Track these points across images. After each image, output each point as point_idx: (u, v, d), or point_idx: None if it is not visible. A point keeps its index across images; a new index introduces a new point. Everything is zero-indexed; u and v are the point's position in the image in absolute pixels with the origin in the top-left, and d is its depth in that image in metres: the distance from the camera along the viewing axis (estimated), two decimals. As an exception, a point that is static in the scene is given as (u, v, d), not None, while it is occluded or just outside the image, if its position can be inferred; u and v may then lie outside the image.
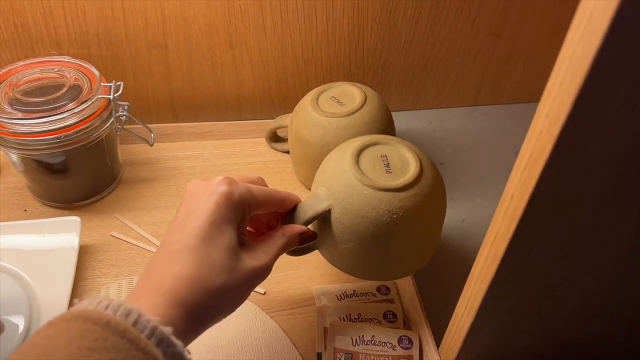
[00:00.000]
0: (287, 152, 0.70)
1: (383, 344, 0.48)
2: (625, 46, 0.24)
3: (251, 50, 0.72)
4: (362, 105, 0.60)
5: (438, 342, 0.49)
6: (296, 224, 0.44)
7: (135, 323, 0.29)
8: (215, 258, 0.34)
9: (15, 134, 0.54)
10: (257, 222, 0.45)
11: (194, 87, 0.74)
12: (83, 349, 0.26)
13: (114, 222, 0.61)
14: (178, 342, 0.30)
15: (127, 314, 0.29)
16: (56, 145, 0.55)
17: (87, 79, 0.58)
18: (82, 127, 0.56)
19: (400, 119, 0.77)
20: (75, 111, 0.55)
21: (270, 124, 0.71)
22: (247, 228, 0.42)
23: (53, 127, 0.54)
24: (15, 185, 0.64)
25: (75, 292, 0.53)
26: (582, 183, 0.30)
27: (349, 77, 0.78)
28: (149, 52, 0.69)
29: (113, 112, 0.59)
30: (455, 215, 0.66)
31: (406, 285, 0.54)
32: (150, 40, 0.68)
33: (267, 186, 0.43)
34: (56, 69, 0.59)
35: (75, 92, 0.57)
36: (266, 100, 0.78)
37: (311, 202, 0.44)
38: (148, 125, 0.65)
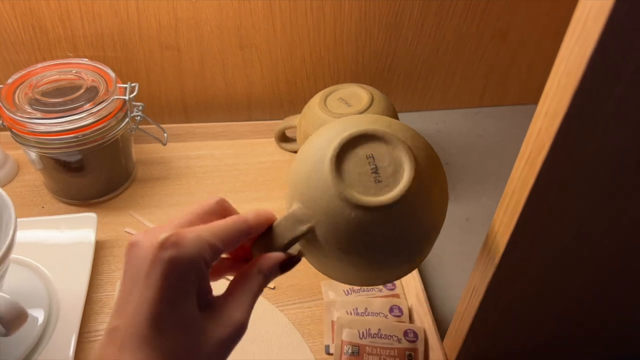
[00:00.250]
0: (296, 152, 0.71)
1: (389, 337, 0.49)
2: (618, 48, 0.26)
3: (261, 51, 0.74)
4: (369, 106, 0.62)
5: (442, 335, 0.50)
6: (273, 249, 0.35)
7: None
8: (171, 347, 0.29)
9: (34, 133, 0.56)
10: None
11: (205, 88, 0.76)
12: None
13: (129, 219, 0.63)
14: None
15: None
16: (73, 144, 0.57)
17: (104, 80, 0.60)
18: (98, 127, 0.58)
19: (406, 120, 0.78)
20: (92, 111, 0.57)
21: (279, 124, 0.73)
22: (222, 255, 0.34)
23: (71, 127, 0.56)
24: (33, 183, 0.66)
25: (92, 286, 0.54)
26: (580, 179, 0.32)
27: (356, 79, 0.80)
28: (162, 53, 0.71)
29: (128, 112, 0.61)
30: (460, 214, 0.68)
31: (411, 281, 0.56)
32: (163, 42, 0.70)
33: (230, 208, 0.36)
34: (74, 71, 0.61)
35: (92, 93, 0.59)
36: (275, 101, 0.80)
37: (288, 223, 0.35)
38: (161, 126, 0.67)
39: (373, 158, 0.35)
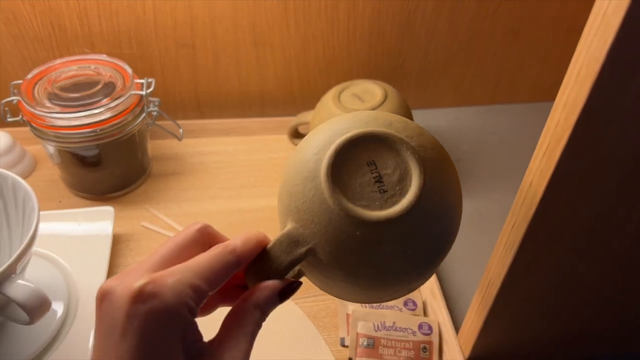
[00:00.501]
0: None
1: (404, 330, 0.50)
2: (637, 40, 0.26)
3: (275, 49, 0.74)
4: (382, 102, 0.62)
5: (457, 329, 0.50)
6: (268, 277, 0.31)
7: None
8: None
9: (53, 127, 0.57)
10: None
11: (219, 84, 0.77)
12: None
13: (144, 213, 0.63)
14: None
15: None
16: (91, 138, 0.58)
17: (121, 76, 0.61)
18: (115, 121, 0.58)
19: (419, 117, 0.79)
20: (110, 106, 0.58)
21: (291, 120, 0.73)
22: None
23: (88, 121, 0.57)
24: (50, 178, 0.67)
25: (110, 278, 0.55)
26: (598, 170, 0.32)
27: (369, 76, 0.80)
28: (177, 51, 0.72)
29: (145, 107, 0.61)
30: (473, 210, 0.68)
31: (425, 276, 0.56)
32: (178, 39, 0.71)
33: (215, 234, 0.31)
34: (92, 67, 0.62)
35: (109, 89, 0.59)
36: (288, 97, 0.80)
37: (283, 246, 0.31)
38: (177, 122, 0.68)
39: (375, 165, 0.30)
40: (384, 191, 0.29)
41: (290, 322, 0.52)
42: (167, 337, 0.26)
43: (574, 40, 0.28)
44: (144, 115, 0.61)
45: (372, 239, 0.29)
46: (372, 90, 0.65)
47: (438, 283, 0.55)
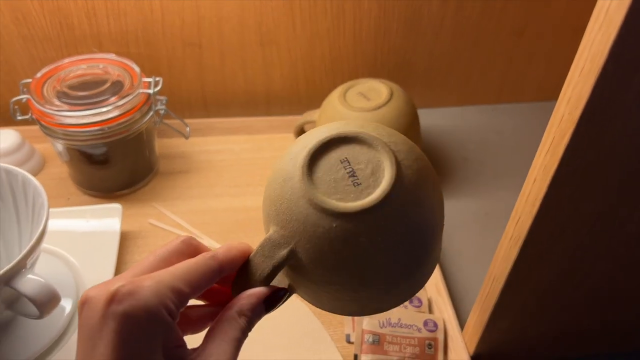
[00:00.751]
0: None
1: (409, 327, 0.50)
2: (639, 37, 0.26)
3: (281, 48, 0.75)
4: (388, 100, 0.63)
5: (461, 326, 0.51)
6: (253, 285, 0.31)
7: None
8: None
9: (62, 125, 0.57)
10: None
11: (225, 83, 0.77)
12: None
13: (152, 211, 0.64)
14: None
15: None
16: (99, 136, 0.59)
17: (129, 75, 0.62)
18: (123, 119, 0.59)
19: (424, 116, 0.79)
20: (118, 105, 0.58)
21: (297, 119, 0.74)
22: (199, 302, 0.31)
23: (97, 119, 0.58)
24: (58, 176, 0.68)
25: (117, 275, 0.56)
26: (600, 166, 0.32)
27: (375, 75, 0.81)
28: (184, 50, 0.73)
29: (152, 106, 0.62)
30: (478, 209, 0.68)
31: (430, 273, 0.56)
32: (185, 39, 0.71)
33: (200, 246, 0.31)
34: (101, 66, 0.63)
35: (117, 87, 0.60)
36: (294, 96, 0.81)
37: (265, 251, 0.31)
38: (184, 120, 0.68)
39: (348, 161, 0.31)
40: (358, 184, 0.30)
41: (296, 319, 0.52)
42: (146, 339, 0.25)
43: (579, 40, 0.29)
44: (151, 113, 0.62)
45: (350, 231, 0.29)
46: (378, 88, 0.65)
47: (443, 280, 0.55)
